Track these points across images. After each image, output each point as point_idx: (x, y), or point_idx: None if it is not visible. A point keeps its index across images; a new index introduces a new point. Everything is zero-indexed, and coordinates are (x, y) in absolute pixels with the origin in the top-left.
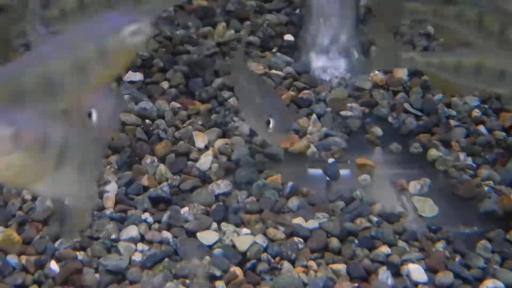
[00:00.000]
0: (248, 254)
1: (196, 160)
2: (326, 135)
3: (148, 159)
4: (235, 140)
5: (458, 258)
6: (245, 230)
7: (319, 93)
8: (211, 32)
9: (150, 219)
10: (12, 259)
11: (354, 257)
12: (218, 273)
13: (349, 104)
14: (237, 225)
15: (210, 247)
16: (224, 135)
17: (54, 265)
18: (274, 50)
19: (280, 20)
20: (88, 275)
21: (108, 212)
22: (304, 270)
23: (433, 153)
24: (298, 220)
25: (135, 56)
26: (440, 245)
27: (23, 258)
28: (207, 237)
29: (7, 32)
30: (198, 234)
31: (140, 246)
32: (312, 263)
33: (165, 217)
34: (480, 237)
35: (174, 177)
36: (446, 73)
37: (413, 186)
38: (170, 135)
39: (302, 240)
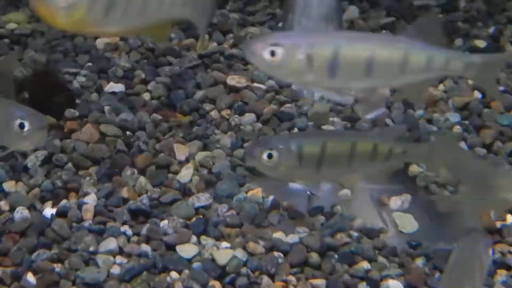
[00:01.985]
0: (227, 268)
1: (176, 172)
2: None
3: (128, 171)
4: (216, 153)
5: (437, 274)
6: (224, 244)
7: (301, 107)
8: (194, 44)
9: (129, 232)
10: None
11: (333, 272)
12: (197, 287)
13: (331, 119)
14: (217, 239)
15: (189, 260)
16: (205, 148)
17: (31, 277)
18: None
19: (263, 33)
20: None
21: (86, 224)
22: (284, 285)
23: (414, 169)
24: (278, 234)
25: None
26: (420, 261)
27: (0, 270)
28: (187, 250)
29: None
30: (178, 247)
31: (119, 258)
32: (292, 278)
33: (144, 229)
34: None
35: (154, 189)
36: None
37: (394, 201)
38: (150, 147)
39: (282, 255)
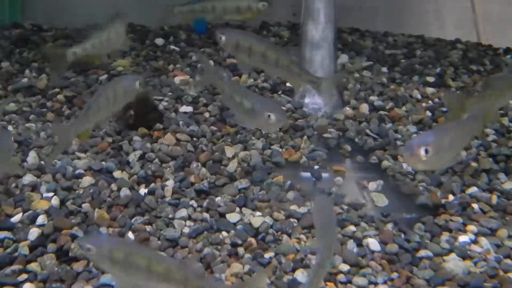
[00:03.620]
0: (260, 229)
1: (226, 165)
2: (313, 150)
3: (194, 164)
4: (252, 152)
5: (402, 235)
6: (258, 213)
7: (309, 122)
8: (238, 80)
9: (195, 205)
10: (103, 230)
11: None
12: (239, 241)
13: (329, 129)
14: (253, 209)
15: (235, 224)
16: (245, 148)
17: (130, 235)
18: (279, 92)
19: None
20: (153, 242)
21: (167, 199)
22: (297, 241)
23: (385, 163)
24: (293, 207)
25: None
26: (389, 226)
27: (110, 230)
28: (233, 217)
29: None
30: (227, 215)
31: (188, 222)
32: (303, 236)
33: (205, 203)
34: (416, 221)
35: (212, 176)
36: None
37: (371, 185)
38: (209, 148)
39: (296, 221)
